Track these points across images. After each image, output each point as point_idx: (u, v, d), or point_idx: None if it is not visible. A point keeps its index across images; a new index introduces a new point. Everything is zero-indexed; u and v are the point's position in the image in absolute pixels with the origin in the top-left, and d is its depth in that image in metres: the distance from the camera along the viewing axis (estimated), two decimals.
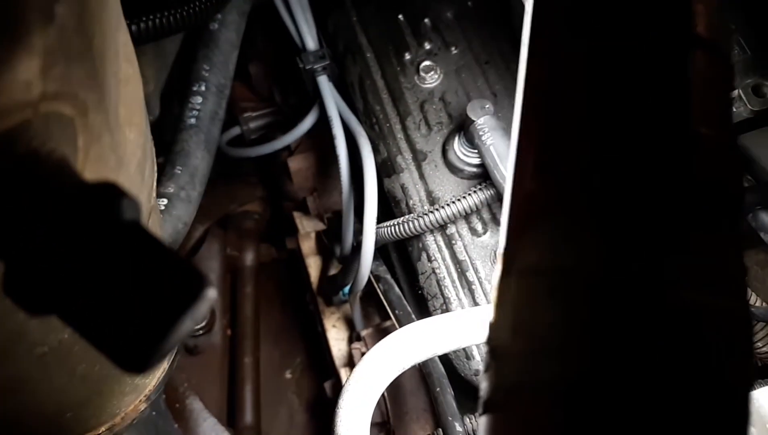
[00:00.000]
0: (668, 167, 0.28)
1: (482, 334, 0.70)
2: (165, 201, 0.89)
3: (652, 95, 0.29)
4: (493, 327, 0.31)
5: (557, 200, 0.29)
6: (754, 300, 0.82)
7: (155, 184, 0.49)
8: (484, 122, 0.84)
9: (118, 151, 0.36)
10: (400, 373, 0.65)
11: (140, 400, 0.69)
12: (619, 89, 0.30)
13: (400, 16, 1.05)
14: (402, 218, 0.88)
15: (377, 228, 0.92)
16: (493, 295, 0.31)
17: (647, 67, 0.29)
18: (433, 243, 0.90)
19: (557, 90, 0.32)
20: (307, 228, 1.33)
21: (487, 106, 0.85)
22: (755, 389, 0.72)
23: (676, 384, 0.26)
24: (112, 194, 0.26)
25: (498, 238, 0.89)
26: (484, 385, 0.30)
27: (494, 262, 0.87)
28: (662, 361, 0.26)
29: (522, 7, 0.83)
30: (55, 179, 0.26)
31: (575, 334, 0.27)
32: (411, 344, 0.65)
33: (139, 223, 0.27)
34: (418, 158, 0.94)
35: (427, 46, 1.02)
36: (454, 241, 0.89)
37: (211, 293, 0.26)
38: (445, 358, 0.89)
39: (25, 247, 0.25)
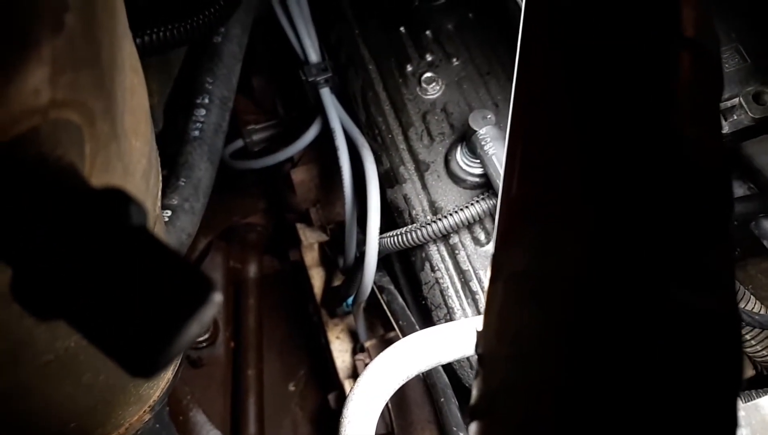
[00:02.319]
0: (653, 169, 0.28)
1: None
2: (169, 212, 0.89)
3: (637, 97, 0.29)
4: (481, 334, 0.31)
5: (541, 204, 0.29)
6: (758, 308, 0.82)
7: (160, 193, 0.49)
8: (486, 132, 0.84)
9: (124, 159, 0.36)
10: (403, 383, 0.65)
11: (144, 411, 0.69)
12: (603, 92, 0.30)
13: (402, 29, 1.06)
14: (405, 228, 0.88)
15: (380, 238, 0.92)
16: (483, 302, 0.31)
17: (633, 68, 0.29)
18: (437, 253, 0.90)
19: (543, 93, 0.32)
20: (310, 239, 1.33)
21: (489, 116, 0.85)
22: (761, 397, 0.72)
23: (663, 388, 0.25)
24: (119, 199, 0.26)
25: None
26: (473, 393, 0.30)
27: None
28: (648, 364, 0.25)
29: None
30: (64, 185, 0.27)
31: (557, 338, 0.27)
32: (414, 354, 0.65)
33: (146, 228, 0.27)
34: (421, 169, 0.94)
35: (429, 57, 1.02)
36: (457, 251, 0.89)
37: (218, 298, 0.26)
38: (449, 368, 0.89)
39: (33, 252, 0.25)
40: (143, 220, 0.27)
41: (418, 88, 1.00)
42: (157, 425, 0.79)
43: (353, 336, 1.25)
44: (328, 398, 1.26)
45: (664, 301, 0.26)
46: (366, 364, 1.13)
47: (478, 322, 0.71)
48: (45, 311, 0.26)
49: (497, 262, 0.32)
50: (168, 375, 0.71)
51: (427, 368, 0.67)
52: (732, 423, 0.25)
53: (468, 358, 0.86)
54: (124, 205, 0.26)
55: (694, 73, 0.29)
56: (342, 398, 1.21)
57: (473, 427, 0.30)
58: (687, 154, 0.28)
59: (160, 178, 0.50)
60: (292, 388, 1.48)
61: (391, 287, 1.05)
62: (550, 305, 0.27)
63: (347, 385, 1.19)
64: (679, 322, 0.26)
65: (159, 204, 0.49)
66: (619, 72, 0.29)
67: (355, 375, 1.18)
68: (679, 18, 0.30)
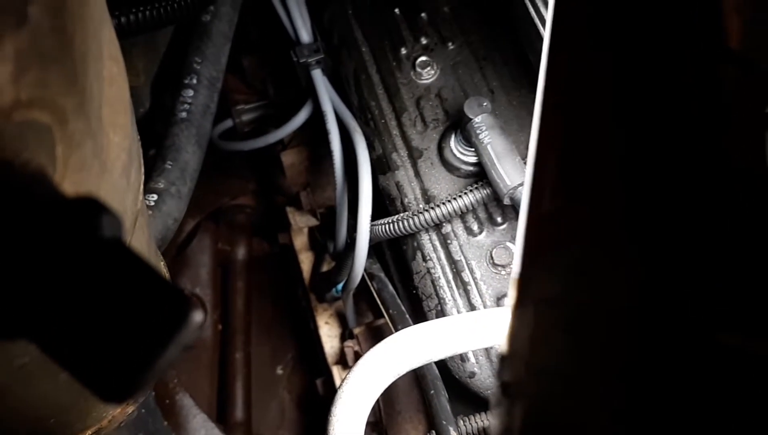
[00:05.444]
0: (703, 190, 0.25)
1: (478, 339, 0.68)
2: (155, 196, 0.87)
3: (679, 112, 0.26)
4: (506, 360, 0.28)
5: (579, 223, 0.27)
6: None
7: (142, 185, 0.47)
8: (481, 120, 0.82)
9: (102, 156, 0.34)
10: (393, 380, 0.64)
11: (128, 403, 0.67)
12: (645, 104, 0.27)
13: (397, 10, 1.03)
14: (397, 216, 0.87)
15: (371, 225, 0.90)
16: (507, 323, 0.28)
17: (674, 82, 0.27)
18: (428, 242, 0.89)
19: (580, 100, 0.29)
20: (300, 223, 1.31)
21: (485, 103, 0.83)
22: None
23: None
24: (91, 209, 0.24)
25: (494, 238, 0.87)
26: (493, 424, 0.28)
27: (490, 262, 0.85)
28: (698, 419, 0.23)
29: (522, 1, 0.81)
30: (31, 193, 0.24)
31: (593, 381, 0.24)
32: (405, 350, 0.64)
33: (121, 240, 0.25)
34: (414, 155, 0.92)
35: (424, 41, 1.00)
36: (449, 241, 0.87)
37: (199, 317, 0.24)
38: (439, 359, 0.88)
39: None
40: (118, 232, 0.25)
41: (412, 72, 0.97)
42: (143, 410, 0.78)
43: (342, 321, 1.24)
44: (316, 383, 1.25)
45: (718, 346, 0.23)
46: (355, 351, 1.12)
47: (472, 319, 0.69)
48: (7, 330, 0.24)
49: (524, 283, 0.29)
50: None
51: (418, 365, 0.65)
52: None
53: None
54: (96, 216, 0.24)
55: (741, 89, 0.26)
56: (330, 383, 1.20)
57: None
58: (736, 182, 0.25)
59: (143, 169, 0.47)
60: (279, 371, 1.47)
61: (382, 275, 1.03)
62: (588, 342, 0.25)
63: (335, 370, 1.18)
64: (736, 370, 0.23)
65: (141, 197, 0.47)
66: (659, 86, 0.27)
67: (343, 361, 1.17)
68: (721, 27, 0.27)
